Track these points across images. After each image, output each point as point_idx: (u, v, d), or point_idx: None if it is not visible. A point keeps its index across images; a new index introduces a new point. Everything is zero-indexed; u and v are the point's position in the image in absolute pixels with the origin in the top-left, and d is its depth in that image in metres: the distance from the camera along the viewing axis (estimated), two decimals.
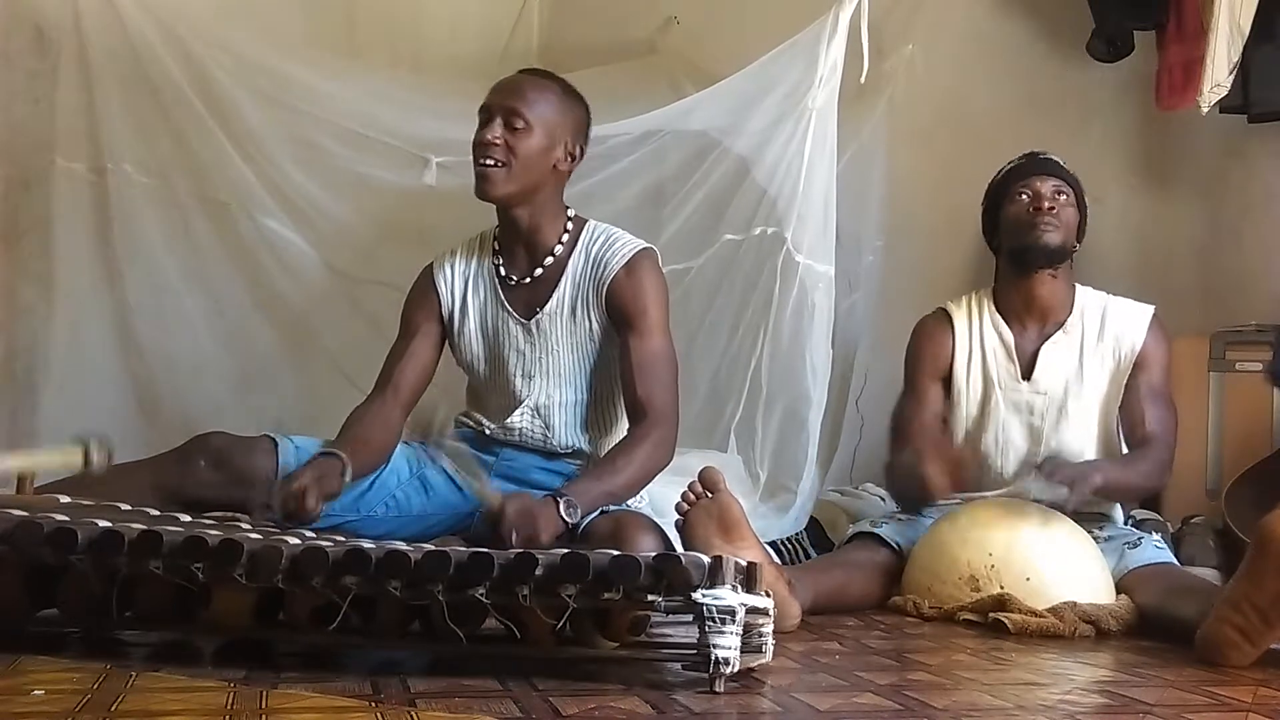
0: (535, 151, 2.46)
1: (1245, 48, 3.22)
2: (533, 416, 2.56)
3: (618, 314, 2.51)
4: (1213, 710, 1.78)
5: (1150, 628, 2.42)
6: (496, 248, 2.60)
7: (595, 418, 2.59)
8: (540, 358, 2.55)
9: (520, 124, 2.45)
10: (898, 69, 3.73)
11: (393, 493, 2.55)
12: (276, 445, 2.50)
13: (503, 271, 2.58)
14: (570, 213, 2.59)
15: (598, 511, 2.39)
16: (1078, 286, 2.86)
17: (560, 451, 2.57)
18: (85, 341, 3.32)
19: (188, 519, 2.12)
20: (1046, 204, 2.76)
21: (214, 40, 3.35)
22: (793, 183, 3.00)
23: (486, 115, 2.48)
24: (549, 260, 2.54)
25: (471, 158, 2.49)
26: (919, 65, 3.75)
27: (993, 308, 2.89)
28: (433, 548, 1.83)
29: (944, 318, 2.92)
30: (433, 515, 2.56)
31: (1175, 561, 2.74)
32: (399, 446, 2.57)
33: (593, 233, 2.57)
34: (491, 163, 2.45)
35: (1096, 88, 3.75)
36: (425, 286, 2.64)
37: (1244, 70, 3.26)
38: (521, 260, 2.57)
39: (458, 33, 4.24)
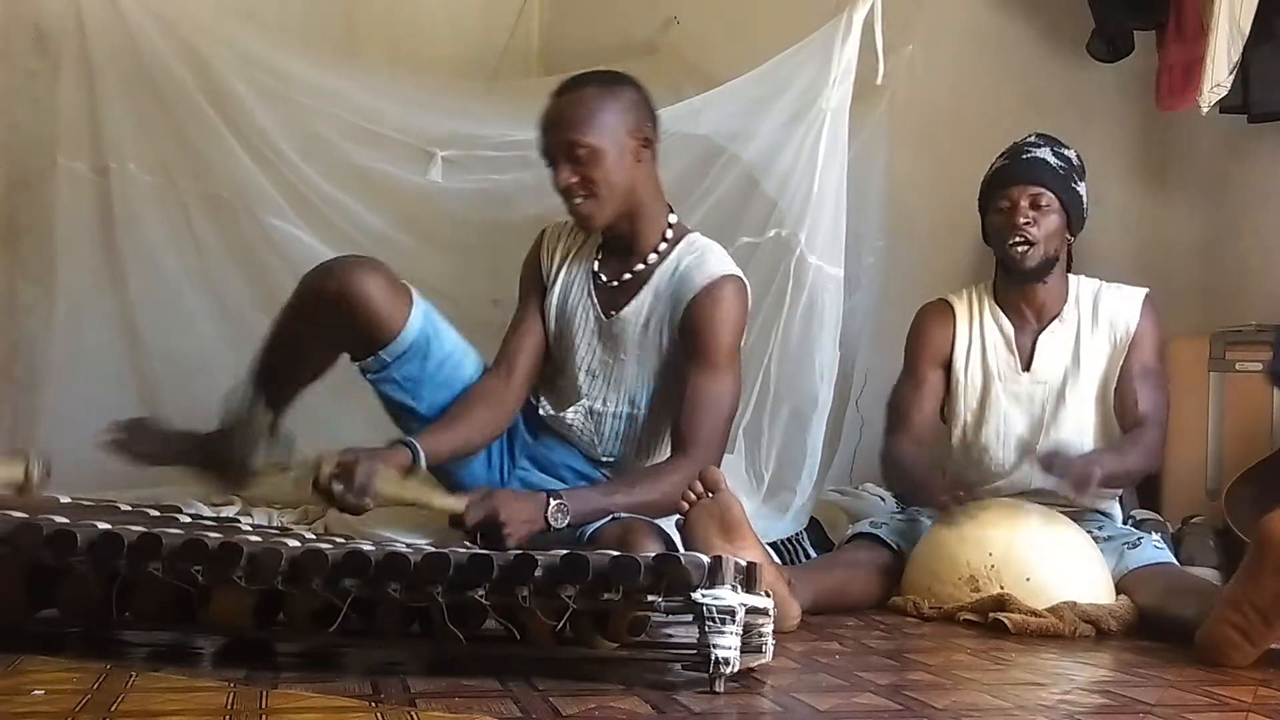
0: (610, 167, 2.42)
1: (1245, 48, 3.21)
2: (585, 418, 2.54)
3: (689, 336, 2.47)
4: (1213, 710, 1.78)
5: (1150, 628, 2.42)
6: (601, 239, 2.59)
7: (646, 437, 2.57)
8: (606, 359, 2.53)
9: (583, 152, 2.40)
10: (898, 68, 3.72)
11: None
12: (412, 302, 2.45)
13: (596, 267, 2.57)
14: (672, 218, 2.56)
15: (609, 518, 2.38)
16: (1071, 277, 2.88)
17: (603, 459, 2.56)
18: (87, 341, 3.31)
19: (188, 519, 2.12)
20: (1020, 219, 2.74)
21: (216, 37, 3.35)
22: (806, 185, 2.99)
23: (549, 158, 2.44)
24: (640, 267, 2.53)
25: (557, 192, 2.46)
26: (919, 65, 3.74)
27: (992, 302, 2.90)
28: (432, 549, 1.83)
29: (946, 307, 2.94)
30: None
31: (1175, 561, 2.75)
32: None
33: (691, 244, 2.54)
34: (579, 200, 2.43)
35: (1096, 88, 3.74)
36: (535, 252, 2.63)
37: (1244, 70, 3.26)
38: (616, 262, 2.56)
39: (458, 32, 4.23)
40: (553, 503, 2.26)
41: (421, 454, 2.30)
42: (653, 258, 2.52)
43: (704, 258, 2.51)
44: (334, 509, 2.23)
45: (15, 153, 3.37)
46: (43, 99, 3.35)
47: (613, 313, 2.53)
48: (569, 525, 2.29)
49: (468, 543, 2.20)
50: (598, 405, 2.53)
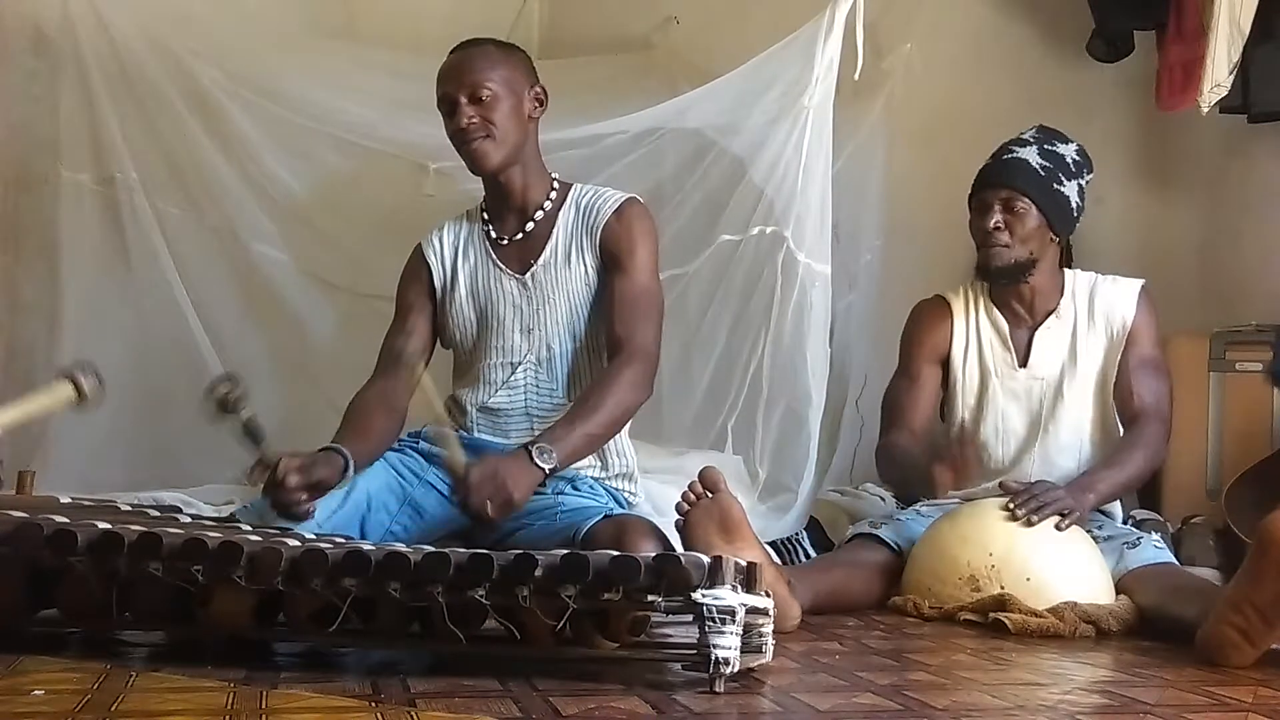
0: (509, 112, 2.51)
1: (1245, 48, 3.21)
2: (536, 370, 2.55)
3: (609, 256, 2.53)
4: (1213, 710, 1.78)
5: (1150, 628, 2.42)
6: (485, 216, 2.63)
7: (586, 367, 2.57)
8: (538, 310, 2.55)
9: (485, 94, 2.48)
10: (896, 68, 3.73)
11: (389, 528, 2.48)
12: None
13: (493, 234, 2.60)
14: (555, 177, 2.62)
15: (600, 515, 2.38)
16: (1066, 272, 2.89)
17: (560, 410, 2.53)
18: (87, 340, 3.31)
19: (188, 519, 2.11)
20: (990, 223, 2.75)
21: (204, 51, 3.37)
22: (791, 181, 3.01)
23: (450, 104, 2.51)
24: (539, 215, 2.57)
25: (456, 148, 2.53)
26: (917, 64, 3.75)
27: (987, 299, 2.91)
28: (432, 549, 1.83)
29: (943, 304, 2.95)
30: (431, 535, 2.48)
31: (1175, 561, 2.75)
32: (384, 478, 2.50)
33: (580, 190, 2.62)
34: (477, 140, 2.49)
35: (1096, 88, 3.75)
36: (416, 263, 2.66)
37: (1244, 70, 3.26)
38: (511, 221, 2.60)
39: (457, 28, 4.22)
40: (533, 450, 2.26)
41: (352, 463, 2.34)
42: (548, 205, 2.58)
43: (600, 191, 2.61)
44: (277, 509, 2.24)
45: (16, 153, 3.37)
46: (43, 98, 3.35)
47: (531, 263, 2.56)
48: (556, 468, 2.30)
49: (472, 514, 2.22)
50: (543, 353, 2.55)
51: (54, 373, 2.19)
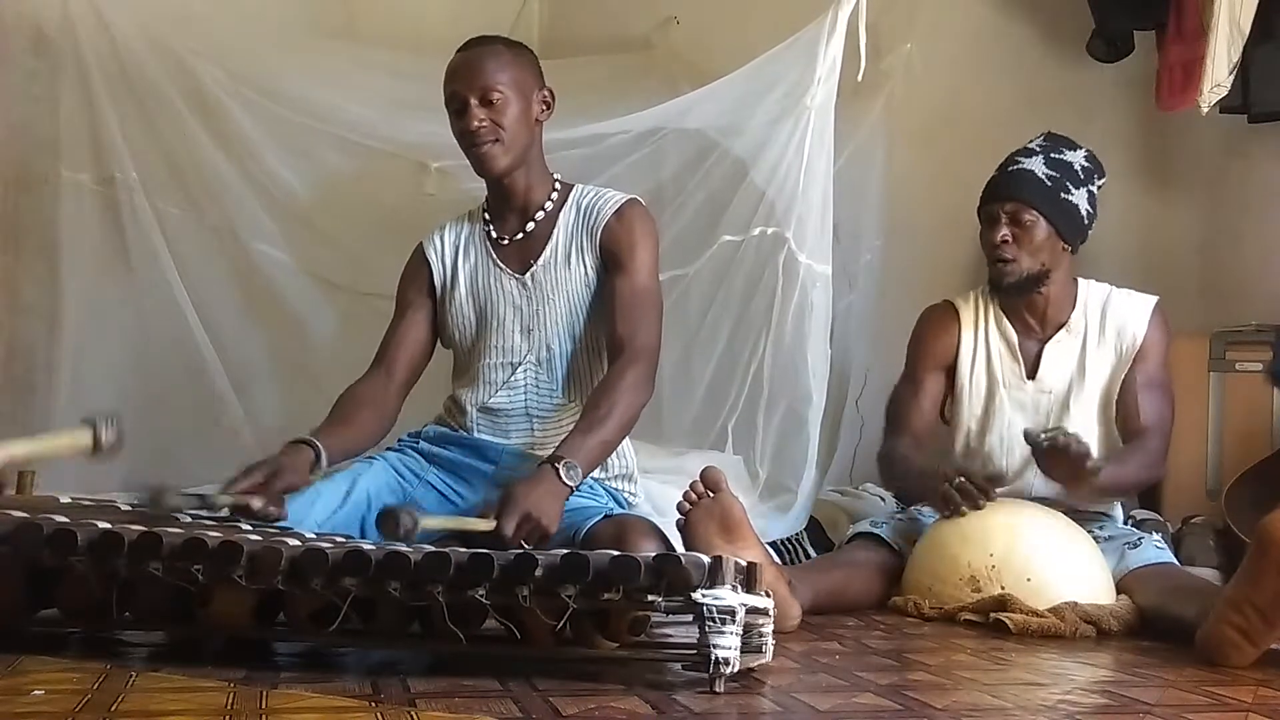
0: (519, 116, 2.50)
1: (1245, 48, 3.21)
2: (536, 370, 2.54)
3: (609, 256, 2.53)
4: (1213, 710, 1.78)
5: (1150, 628, 2.42)
6: (487, 216, 2.63)
7: (586, 368, 2.56)
8: (538, 311, 2.55)
9: (496, 96, 2.48)
10: (896, 68, 3.73)
11: None
12: None
13: (494, 234, 2.60)
14: (557, 178, 2.62)
15: (600, 515, 2.38)
16: (1080, 281, 2.86)
17: (560, 410, 2.54)
18: (87, 341, 3.32)
19: (188, 519, 2.12)
20: (998, 237, 2.74)
21: (205, 51, 3.37)
22: (793, 182, 3.01)
23: (460, 104, 2.50)
24: (540, 215, 2.57)
25: (463, 148, 2.52)
26: (918, 64, 3.75)
27: (998, 308, 2.88)
28: (432, 549, 1.83)
29: (951, 311, 2.92)
30: (431, 535, 2.49)
31: (1175, 561, 2.75)
32: (384, 478, 2.49)
33: (581, 190, 2.61)
34: (487, 144, 2.48)
35: (1096, 88, 3.75)
36: (417, 262, 2.66)
37: (1244, 70, 3.26)
38: (512, 221, 2.60)
39: (457, 28, 4.22)
40: (560, 468, 2.24)
41: (324, 454, 2.32)
42: (549, 205, 2.58)
43: (601, 192, 2.61)
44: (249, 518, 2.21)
45: (16, 153, 3.37)
46: (43, 98, 3.35)
47: (531, 263, 2.56)
48: (582, 479, 2.29)
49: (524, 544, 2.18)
50: (543, 353, 2.55)
51: (78, 415, 2.15)
